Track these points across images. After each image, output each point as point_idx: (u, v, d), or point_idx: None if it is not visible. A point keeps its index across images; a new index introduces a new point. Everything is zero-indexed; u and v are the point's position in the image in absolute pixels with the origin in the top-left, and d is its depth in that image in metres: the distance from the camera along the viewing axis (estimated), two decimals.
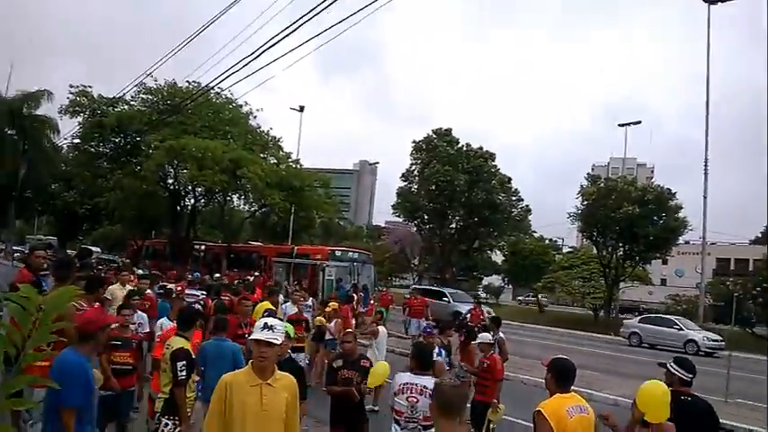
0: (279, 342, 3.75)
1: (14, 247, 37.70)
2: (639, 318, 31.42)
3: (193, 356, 5.61)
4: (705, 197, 34.39)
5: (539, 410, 4.18)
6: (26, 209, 46.77)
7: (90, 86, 38.17)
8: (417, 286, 35.58)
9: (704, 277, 37.16)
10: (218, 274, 21.84)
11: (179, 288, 13.41)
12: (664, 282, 60.81)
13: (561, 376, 4.42)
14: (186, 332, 5.91)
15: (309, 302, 14.73)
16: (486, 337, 8.80)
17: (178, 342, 5.70)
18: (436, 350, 8.35)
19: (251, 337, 3.81)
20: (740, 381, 15.51)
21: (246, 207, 43.02)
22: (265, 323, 3.78)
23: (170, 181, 38.26)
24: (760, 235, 77.06)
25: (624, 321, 32.43)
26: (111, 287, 10.60)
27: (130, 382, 6.51)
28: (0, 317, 3.65)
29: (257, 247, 34.62)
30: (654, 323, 28.81)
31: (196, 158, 31.67)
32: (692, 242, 49.16)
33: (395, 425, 5.24)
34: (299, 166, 39.78)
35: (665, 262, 48.16)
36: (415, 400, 5.16)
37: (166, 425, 5.42)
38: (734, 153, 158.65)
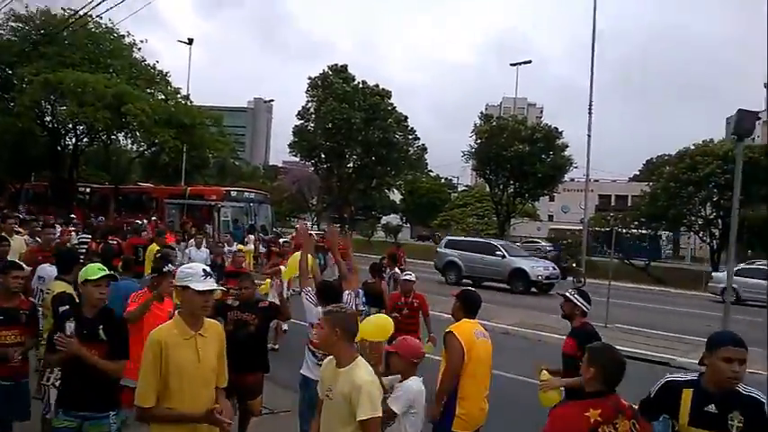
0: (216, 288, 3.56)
1: None
2: (736, 269, 22.06)
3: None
4: (589, 136, 35.89)
5: (450, 331, 4.57)
6: None
7: None
8: (455, 237, 28.64)
9: (587, 213, 39.36)
10: (144, 221, 20.49)
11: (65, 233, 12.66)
12: (551, 217, 64.01)
13: (468, 306, 4.82)
14: (67, 276, 5.62)
15: (233, 248, 14.01)
16: (410, 276, 8.54)
17: (59, 286, 5.45)
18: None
19: (196, 287, 3.39)
20: (618, 307, 16.65)
21: (134, 146, 40.95)
22: (204, 270, 3.50)
23: (48, 118, 35.70)
24: (638, 173, 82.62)
25: (713, 274, 25.51)
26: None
27: (23, 368, 5.00)
28: None
29: (147, 189, 33.18)
30: (757, 276, 21.24)
31: (75, 93, 29.58)
32: (576, 179, 51.75)
33: (310, 356, 5.23)
34: (189, 102, 38.07)
35: (551, 199, 50.45)
36: None
37: (52, 371, 5.03)
38: (616, 93, 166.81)
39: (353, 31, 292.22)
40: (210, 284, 3.43)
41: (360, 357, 3.44)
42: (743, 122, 9.55)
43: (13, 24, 34.55)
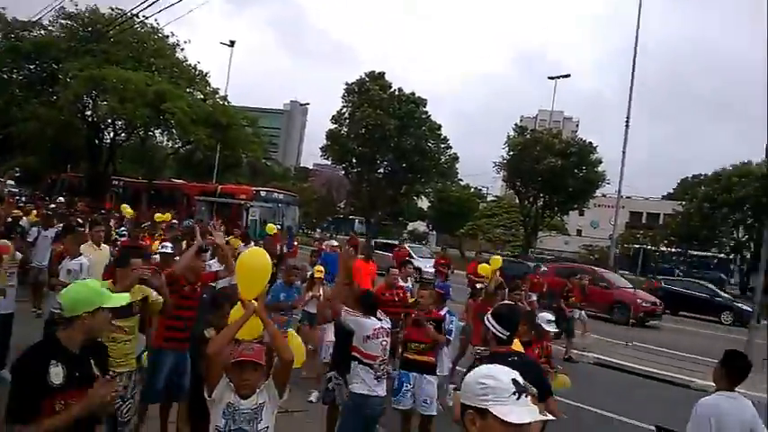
0: None
1: None
2: None
3: None
4: (624, 152, 35.57)
5: None
6: None
7: (3, 8, 35.69)
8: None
9: (617, 229, 38.91)
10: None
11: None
12: (579, 232, 63.36)
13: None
14: None
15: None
16: (547, 321, 6.38)
17: None
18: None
19: (504, 416, 1.70)
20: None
21: (170, 143, 41.75)
22: (515, 380, 1.80)
23: (88, 113, 36.62)
24: (672, 191, 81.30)
25: None
26: (83, 246, 7.94)
27: None
28: None
29: (180, 185, 33.75)
30: None
31: (117, 90, 30.35)
32: (608, 195, 51.05)
33: (366, 372, 5.11)
34: (226, 102, 38.73)
35: (581, 213, 50.02)
36: (386, 342, 5.29)
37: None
38: (654, 110, 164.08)
39: (388, 38, 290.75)
40: (531, 413, 1.75)
41: None
42: None
43: (62, 21, 35.58)
